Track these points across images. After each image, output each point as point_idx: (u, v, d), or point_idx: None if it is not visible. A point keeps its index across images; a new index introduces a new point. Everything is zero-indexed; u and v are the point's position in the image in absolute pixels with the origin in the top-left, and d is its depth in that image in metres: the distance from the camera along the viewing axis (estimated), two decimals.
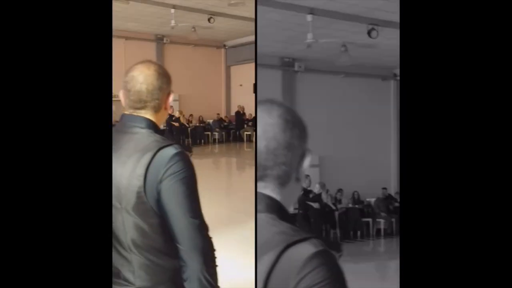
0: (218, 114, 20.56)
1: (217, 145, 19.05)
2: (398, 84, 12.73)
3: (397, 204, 11.61)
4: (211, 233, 1.75)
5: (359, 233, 11.66)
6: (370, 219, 11.90)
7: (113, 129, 1.82)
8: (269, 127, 1.18)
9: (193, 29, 15.73)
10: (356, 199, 12.35)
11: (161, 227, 1.69)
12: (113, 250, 1.72)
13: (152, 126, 1.78)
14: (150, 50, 19.40)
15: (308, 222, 9.56)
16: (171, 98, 1.86)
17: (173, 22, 14.02)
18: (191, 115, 19.35)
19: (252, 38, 15.46)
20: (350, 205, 12.01)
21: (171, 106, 1.98)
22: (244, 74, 19.64)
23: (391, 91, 13.42)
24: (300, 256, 1.04)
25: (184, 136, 18.09)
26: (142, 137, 1.72)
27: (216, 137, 19.38)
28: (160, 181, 1.65)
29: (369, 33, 8.95)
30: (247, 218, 6.24)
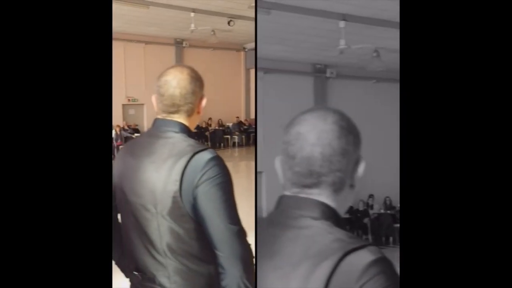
0: (238, 117, 20.58)
1: (236, 149, 19.05)
2: None
3: None
4: None
5: (391, 239, 11.58)
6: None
7: (146, 133, 1.85)
8: (324, 134, 1.16)
9: (212, 33, 15.76)
10: (388, 205, 12.25)
11: (197, 232, 1.69)
12: (148, 255, 1.73)
13: (186, 130, 1.78)
14: (169, 54, 19.51)
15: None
16: (204, 102, 1.86)
17: (192, 25, 14.07)
18: (210, 118, 19.38)
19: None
20: (382, 211, 11.95)
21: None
22: None
23: None
24: (359, 264, 1.03)
25: (203, 140, 18.10)
26: (176, 141, 1.72)
27: (236, 140, 19.36)
28: (196, 186, 1.64)
29: None
30: None
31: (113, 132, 16.90)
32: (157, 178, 1.67)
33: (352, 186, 1.22)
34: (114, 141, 16.59)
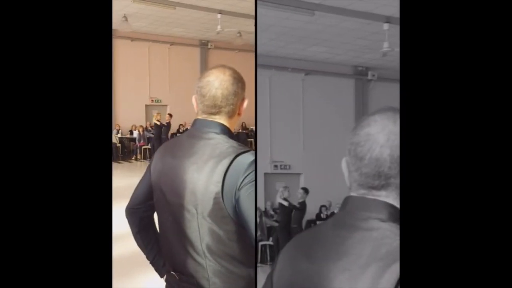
0: None
1: None
2: None
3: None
4: None
5: None
6: None
7: (186, 134, 1.85)
8: (393, 135, 1.14)
9: (238, 34, 15.81)
10: None
11: (237, 234, 1.68)
12: (187, 255, 1.73)
13: (227, 131, 1.77)
14: (194, 55, 19.54)
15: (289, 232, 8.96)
16: (245, 103, 1.84)
17: (219, 27, 14.16)
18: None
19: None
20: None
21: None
22: None
23: None
24: None
25: None
26: (218, 142, 1.71)
27: None
28: (239, 188, 1.62)
29: None
30: None
31: (136, 132, 16.92)
32: (198, 179, 1.66)
33: (239, 114, 1.41)
34: (136, 142, 16.61)
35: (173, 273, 1.81)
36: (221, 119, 1.77)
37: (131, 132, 17.55)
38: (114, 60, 17.52)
